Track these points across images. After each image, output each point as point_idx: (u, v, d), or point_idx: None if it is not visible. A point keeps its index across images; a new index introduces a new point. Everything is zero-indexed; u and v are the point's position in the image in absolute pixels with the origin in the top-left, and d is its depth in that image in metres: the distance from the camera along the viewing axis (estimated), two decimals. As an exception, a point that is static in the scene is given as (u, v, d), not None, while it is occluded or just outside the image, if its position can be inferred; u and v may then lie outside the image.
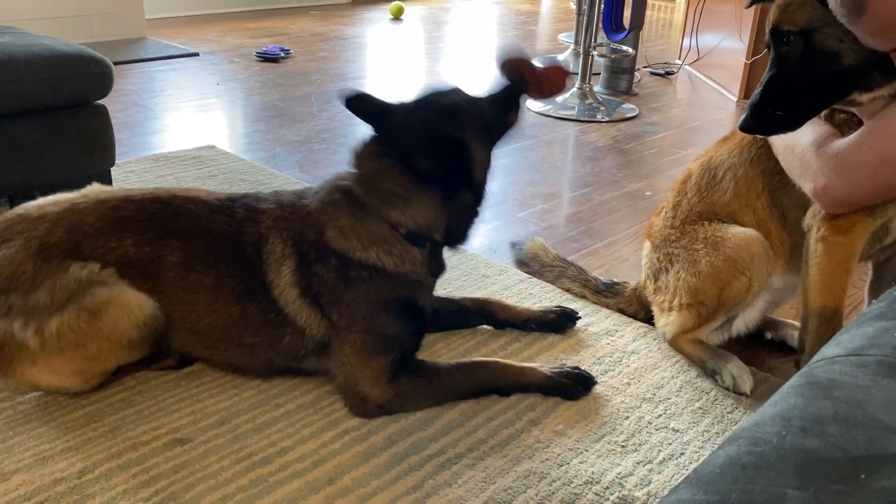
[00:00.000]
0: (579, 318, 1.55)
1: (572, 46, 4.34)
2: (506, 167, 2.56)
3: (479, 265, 1.80)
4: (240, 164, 2.42)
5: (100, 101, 2.06)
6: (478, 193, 1.28)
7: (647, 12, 4.08)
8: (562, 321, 1.52)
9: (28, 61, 1.88)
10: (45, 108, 1.95)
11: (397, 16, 5.51)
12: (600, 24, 3.45)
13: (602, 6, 3.36)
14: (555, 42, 4.92)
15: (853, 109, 1.16)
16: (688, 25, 4.18)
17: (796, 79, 1.11)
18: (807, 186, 1.19)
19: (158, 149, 2.56)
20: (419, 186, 1.22)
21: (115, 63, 3.57)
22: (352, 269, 1.23)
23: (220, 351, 1.31)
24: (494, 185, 2.39)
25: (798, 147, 1.19)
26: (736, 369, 1.38)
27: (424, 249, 1.27)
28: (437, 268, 1.33)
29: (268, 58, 3.95)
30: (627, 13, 3.73)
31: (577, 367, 1.35)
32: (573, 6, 4.60)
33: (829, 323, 1.23)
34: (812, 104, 1.13)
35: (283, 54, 4.00)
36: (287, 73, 3.71)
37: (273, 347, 1.28)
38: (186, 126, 2.86)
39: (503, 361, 1.34)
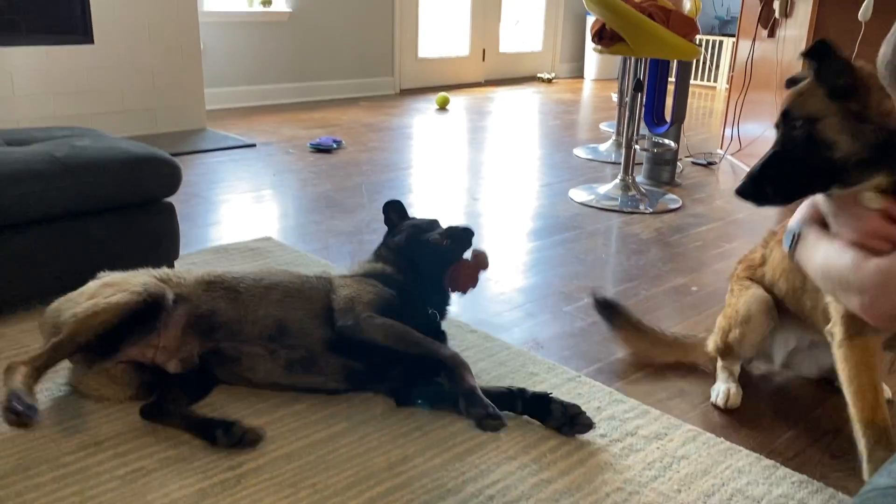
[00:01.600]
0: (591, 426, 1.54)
1: (613, 137, 4.44)
2: (550, 259, 2.61)
3: (527, 362, 1.84)
4: (295, 256, 2.51)
5: (167, 199, 2.19)
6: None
7: (688, 100, 4.18)
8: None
9: (106, 164, 2.02)
10: (118, 207, 2.08)
11: (443, 106, 5.72)
12: (642, 117, 3.55)
13: (644, 99, 3.46)
14: (596, 131, 5.04)
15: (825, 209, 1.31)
16: (729, 115, 4.27)
17: (794, 160, 1.25)
18: (852, 303, 1.21)
19: (217, 241, 2.68)
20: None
21: (177, 154, 3.80)
22: None
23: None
24: (539, 277, 2.44)
25: (835, 269, 1.23)
26: (723, 386, 1.72)
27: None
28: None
29: (321, 149, 4.12)
30: (669, 101, 3.83)
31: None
32: (615, 98, 4.74)
33: (878, 438, 1.29)
34: (802, 186, 1.28)
35: (335, 145, 4.17)
36: (339, 164, 3.86)
37: None
38: (244, 217, 2.99)
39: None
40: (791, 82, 1.35)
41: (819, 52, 1.22)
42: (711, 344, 1.79)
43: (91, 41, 4.05)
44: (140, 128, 4.32)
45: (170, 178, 2.14)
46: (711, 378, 1.80)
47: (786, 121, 1.27)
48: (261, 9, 5.47)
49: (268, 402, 1.62)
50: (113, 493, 1.32)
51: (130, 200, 2.09)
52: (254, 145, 4.22)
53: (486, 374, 1.77)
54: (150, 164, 2.10)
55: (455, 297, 1.87)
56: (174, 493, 1.32)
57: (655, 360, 1.88)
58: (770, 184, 1.28)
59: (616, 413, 1.62)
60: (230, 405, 1.60)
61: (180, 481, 1.35)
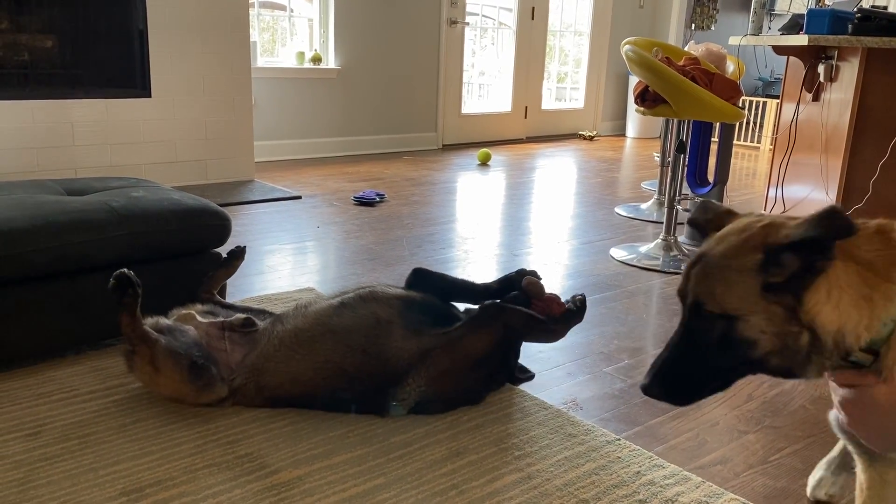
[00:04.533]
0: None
1: (655, 196, 4.44)
2: (591, 318, 2.60)
3: (565, 423, 1.82)
4: (336, 308, 2.55)
5: (216, 249, 2.25)
6: None
7: (731, 160, 4.17)
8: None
9: (159, 214, 2.10)
10: (169, 256, 2.15)
11: (484, 161, 5.79)
12: (685, 177, 3.55)
13: (686, 159, 3.47)
14: (637, 190, 5.04)
15: None
16: (773, 177, 4.24)
17: (706, 358, 1.08)
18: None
19: (261, 290, 2.74)
20: None
21: (226, 204, 3.90)
22: None
23: None
24: (581, 337, 2.43)
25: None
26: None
27: None
28: None
29: (364, 202, 4.20)
30: (712, 161, 3.83)
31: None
32: (657, 157, 4.75)
33: None
34: (715, 383, 1.11)
35: (378, 199, 4.25)
36: (381, 217, 3.93)
37: None
38: (287, 268, 3.05)
39: None
40: (693, 223, 1.20)
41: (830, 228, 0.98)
42: None
43: (149, 94, 4.24)
44: (191, 178, 4.47)
45: (220, 229, 2.20)
46: (758, 444, 1.76)
47: (694, 311, 1.08)
48: (311, 66, 5.65)
49: (306, 453, 1.63)
50: (152, 541, 1.33)
51: (181, 250, 2.15)
52: (299, 197, 4.32)
53: (522, 433, 1.76)
54: (203, 216, 2.17)
55: None
56: (212, 543, 1.33)
57: None
58: (679, 382, 1.11)
59: (656, 479, 1.59)
60: (270, 455, 1.62)
61: (218, 531, 1.36)
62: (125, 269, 1.72)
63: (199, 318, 1.89)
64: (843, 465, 1.52)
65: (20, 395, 1.84)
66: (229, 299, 2.42)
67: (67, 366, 2.01)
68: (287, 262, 3.13)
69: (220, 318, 1.91)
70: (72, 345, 2.07)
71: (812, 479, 1.56)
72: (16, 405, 1.79)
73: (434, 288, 1.96)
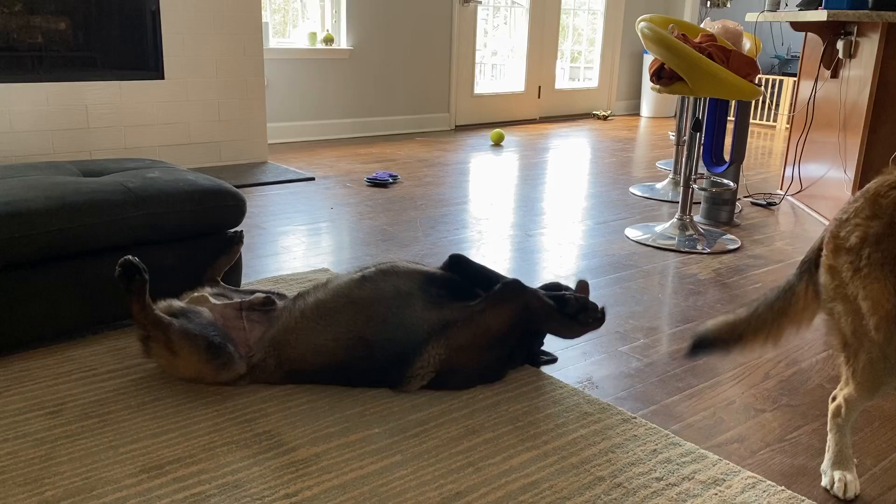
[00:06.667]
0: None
1: (670, 175, 4.41)
2: (605, 297, 2.59)
3: (581, 401, 1.82)
4: (351, 288, 2.55)
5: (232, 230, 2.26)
6: None
7: (747, 139, 4.12)
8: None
9: (175, 195, 2.10)
10: (184, 236, 2.16)
11: (498, 142, 5.76)
12: (700, 156, 3.52)
13: (702, 138, 3.44)
14: (652, 169, 5.01)
15: None
16: (790, 156, 4.20)
17: None
18: None
19: (276, 271, 2.74)
20: None
21: (240, 186, 3.91)
22: None
23: None
24: (595, 317, 2.42)
25: None
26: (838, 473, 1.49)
27: None
28: None
29: (377, 183, 4.20)
30: (728, 140, 3.79)
31: None
32: (672, 136, 4.71)
33: None
34: None
35: (391, 180, 4.24)
36: (394, 198, 3.92)
37: None
38: (302, 248, 3.06)
39: None
40: None
41: None
42: (851, 388, 1.46)
43: (161, 76, 4.23)
44: (205, 160, 4.48)
45: (235, 210, 2.21)
46: (774, 422, 1.75)
47: None
48: (323, 46, 5.63)
49: (323, 431, 1.64)
50: (173, 517, 1.35)
51: (197, 230, 2.16)
52: (313, 179, 4.32)
53: (538, 412, 1.76)
54: (217, 196, 2.18)
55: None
56: (231, 519, 1.34)
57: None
58: None
59: (672, 457, 1.59)
60: (287, 433, 1.63)
61: (237, 507, 1.38)
62: (129, 256, 1.73)
63: (212, 300, 1.90)
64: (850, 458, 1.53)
65: (40, 374, 1.86)
66: (244, 280, 2.43)
67: (86, 346, 2.02)
68: (301, 244, 3.13)
69: (237, 300, 1.92)
70: (90, 325, 2.08)
71: (845, 482, 1.50)
72: (37, 384, 1.81)
73: (468, 274, 1.95)
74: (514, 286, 1.82)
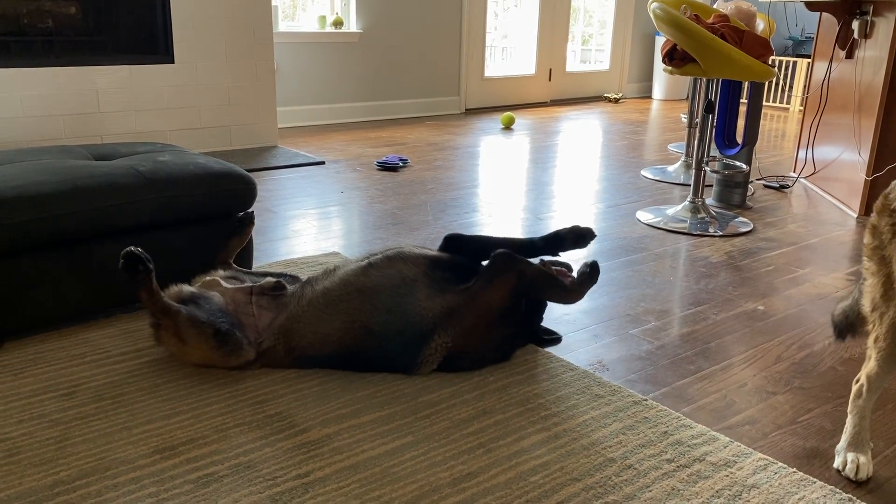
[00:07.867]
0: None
1: (682, 158, 4.38)
2: (617, 280, 2.59)
3: (592, 384, 1.82)
4: (361, 272, 2.55)
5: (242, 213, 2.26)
6: None
7: (760, 121, 4.09)
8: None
9: (186, 179, 2.11)
10: (196, 220, 2.16)
11: (508, 125, 5.74)
12: (713, 138, 3.49)
13: (715, 120, 3.41)
14: (664, 152, 4.97)
15: None
16: (804, 138, 4.16)
17: None
18: None
19: (287, 255, 2.75)
20: None
21: (250, 170, 3.91)
22: None
23: None
24: (607, 299, 2.42)
25: None
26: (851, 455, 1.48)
27: None
28: None
29: (387, 167, 4.19)
30: (740, 122, 3.76)
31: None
32: (684, 119, 4.67)
33: None
34: None
35: (401, 163, 4.24)
36: (404, 182, 3.92)
37: None
38: (312, 232, 3.06)
39: None
40: None
41: None
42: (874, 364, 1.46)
43: (172, 61, 4.23)
44: (215, 144, 4.48)
45: (246, 193, 2.21)
46: (786, 405, 1.75)
47: None
48: (332, 30, 5.61)
49: (335, 412, 1.65)
50: (185, 497, 1.36)
51: (208, 214, 2.16)
52: (323, 163, 4.32)
53: (548, 394, 1.76)
54: (228, 179, 2.18)
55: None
56: (244, 500, 1.35)
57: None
58: None
59: (683, 438, 1.59)
60: (299, 414, 1.64)
61: (249, 487, 1.39)
62: (131, 247, 1.71)
63: (223, 283, 1.90)
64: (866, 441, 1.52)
65: (54, 356, 1.88)
66: (255, 264, 2.44)
67: (99, 328, 2.04)
68: (312, 227, 3.14)
69: (248, 284, 1.92)
70: (102, 308, 2.10)
71: (857, 463, 1.50)
72: (51, 366, 1.83)
73: (470, 249, 1.95)
74: (504, 257, 1.82)
